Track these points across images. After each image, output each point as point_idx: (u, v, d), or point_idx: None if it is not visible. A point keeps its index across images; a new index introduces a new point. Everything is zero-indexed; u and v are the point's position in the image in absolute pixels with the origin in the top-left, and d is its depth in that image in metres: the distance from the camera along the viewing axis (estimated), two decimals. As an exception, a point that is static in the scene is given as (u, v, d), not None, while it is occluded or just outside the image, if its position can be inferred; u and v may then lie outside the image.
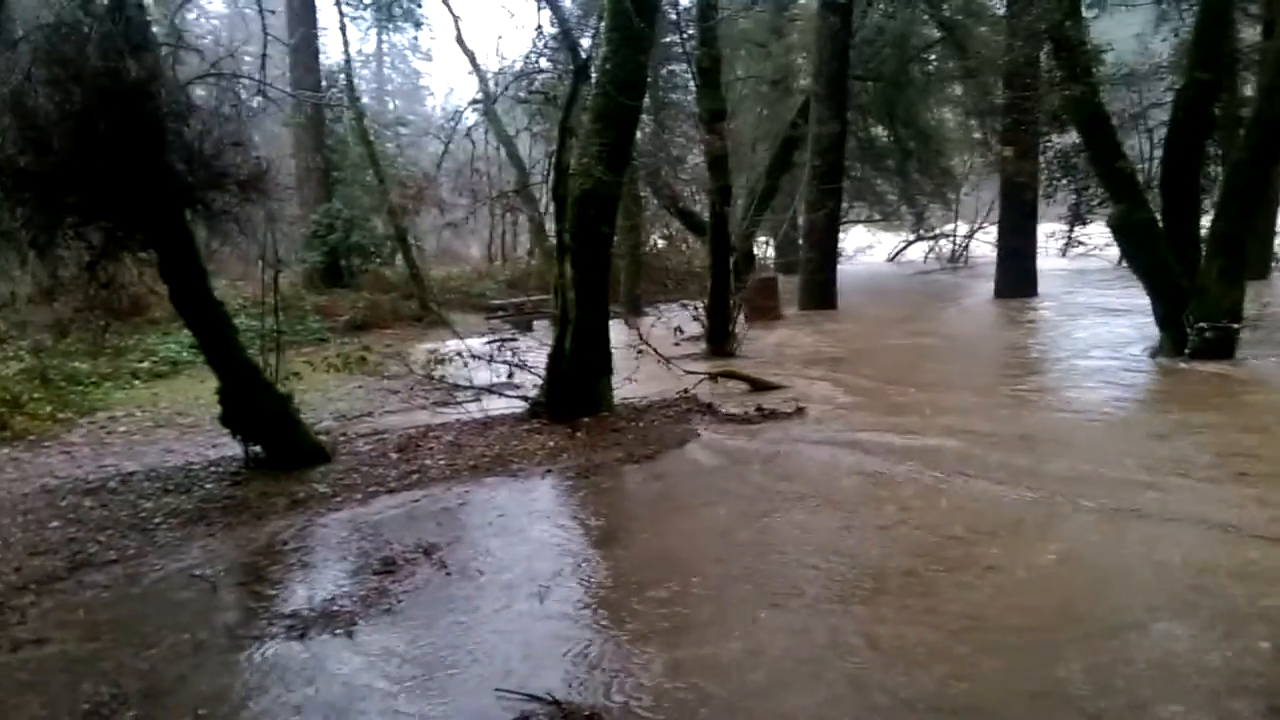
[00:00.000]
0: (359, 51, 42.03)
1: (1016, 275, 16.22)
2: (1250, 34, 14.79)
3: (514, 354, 9.59)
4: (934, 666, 3.15)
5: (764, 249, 23.26)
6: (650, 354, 9.78)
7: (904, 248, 26.94)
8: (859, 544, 4.45)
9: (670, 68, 20.06)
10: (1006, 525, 4.60)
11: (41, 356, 11.10)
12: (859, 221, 26.02)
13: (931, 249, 25.68)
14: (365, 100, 24.81)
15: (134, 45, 5.85)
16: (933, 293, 18.62)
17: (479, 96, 19.41)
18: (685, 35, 13.72)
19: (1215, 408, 7.29)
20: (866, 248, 28.06)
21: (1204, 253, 9.17)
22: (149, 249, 6.18)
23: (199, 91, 6.39)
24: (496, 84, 18.21)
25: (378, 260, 20.72)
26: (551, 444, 6.93)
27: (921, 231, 25.78)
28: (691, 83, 15.74)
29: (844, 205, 18.82)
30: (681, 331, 11.22)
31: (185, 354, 12.47)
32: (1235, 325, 8.93)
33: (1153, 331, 9.70)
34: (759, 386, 8.88)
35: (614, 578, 4.24)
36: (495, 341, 14.05)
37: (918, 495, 5.19)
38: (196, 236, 6.32)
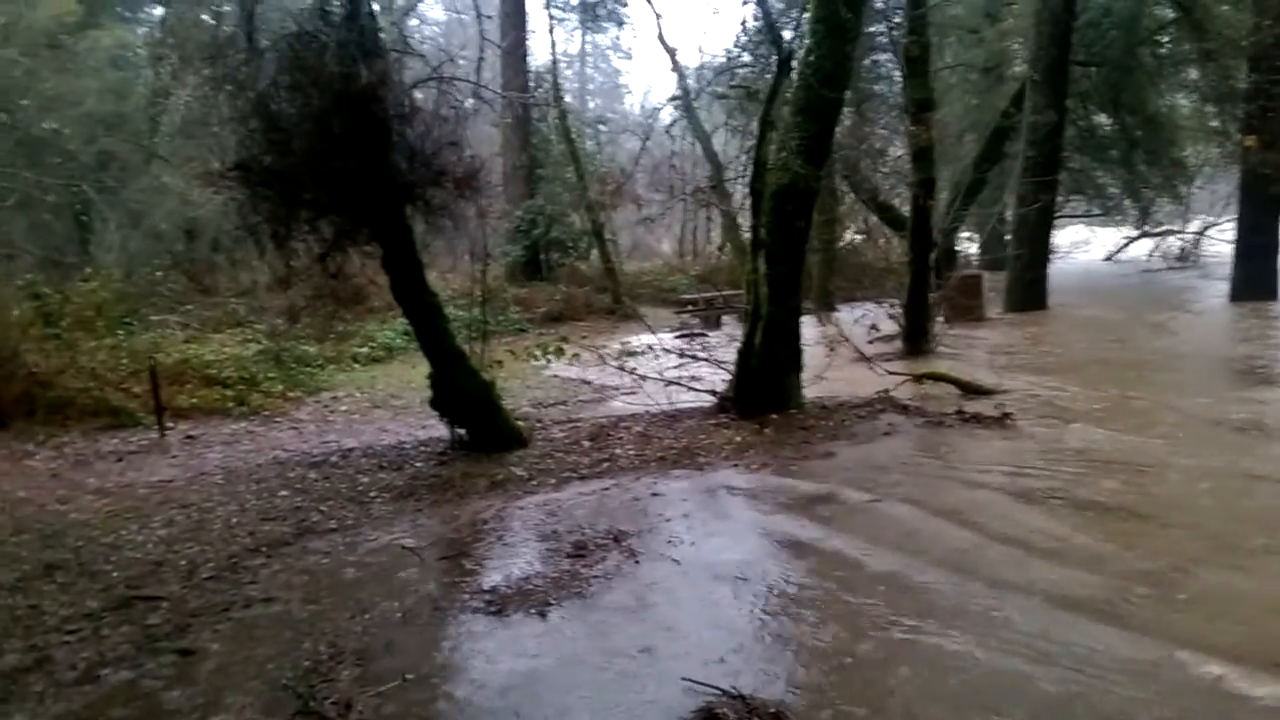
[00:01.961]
0: (564, 52, 43.52)
1: (1257, 276, 14.65)
2: None
3: (703, 348, 9.65)
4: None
5: (967, 245, 22.24)
6: (842, 352, 9.58)
7: (1126, 245, 24.89)
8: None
9: (874, 57, 19.49)
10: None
11: (276, 339, 12.22)
12: (1075, 216, 24.30)
13: (1157, 246, 23.60)
14: (568, 99, 25.61)
15: (366, 52, 6.32)
16: (1157, 294, 17.14)
17: (678, 93, 19.64)
18: (892, 24, 13.30)
19: None
20: (1082, 244, 26.16)
21: None
22: (374, 242, 6.66)
23: (420, 94, 6.80)
24: (697, 80, 18.35)
25: (575, 255, 21.40)
26: (739, 439, 6.93)
27: (1147, 227, 23.73)
28: (896, 73, 15.25)
29: (1059, 199, 17.63)
30: (877, 329, 10.92)
31: (399, 341, 13.39)
32: None
33: None
34: (969, 390, 8.39)
35: (803, 572, 4.18)
36: (685, 335, 14.25)
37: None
38: (415, 231, 6.76)
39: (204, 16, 14.39)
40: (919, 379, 8.70)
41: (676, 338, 14.10)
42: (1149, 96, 19.33)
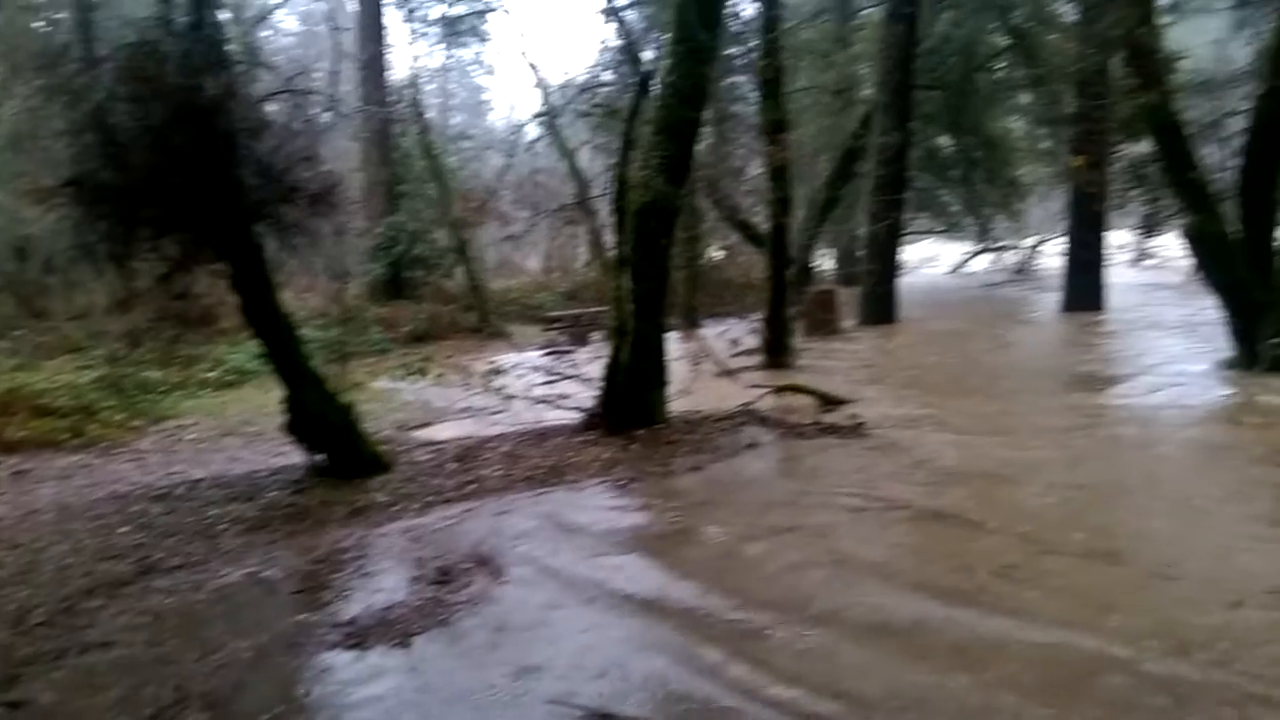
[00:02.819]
0: (424, 67, 42.86)
1: (1084, 288, 15.80)
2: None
3: (571, 365, 9.64)
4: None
5: (824, 261, 23.07)
6: (706, 367, 9.77)
7: (968, 259, 26.42)
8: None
9: (733, 79, 20.03)
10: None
11: (115, 365, 11.47)
12: (922, 233, 25.58)
13: (996, 261, 25.15)
14: (430, 114, 25.19)
15: (210, 63, 6.05)
16: (997, 306, 18.26)
17: (542, 110, 19.63)
18: (748, 47, 13.69)
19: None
20: (929, 260, 27.60)
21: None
22: (221, 261, 6.35)
23: (272, 108, 6.54)
24: (560, 97, 18.38)
25: (439, 272, 21.03)
26: (606, 455, 6.94)
27: (986, 243, 25.26)
28: (754, 94, 15.68)
29: (906, 217, 18.53)
30: (738, 344, 11.16)
31: (252, 364, 12.76)
32: (1316, 341, 8.59)
33: (1225, 345, 9.36)
34: (827, 401, 8.64)
35: (671, 586, 4.21)
36: (552, 353, 14.21)
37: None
38: (266, 249, 6.48)
39: (36, 24, 13.46)
40: (779, 390, 8.94)
41: (544, 355, 14.04)
42: (986, 119, 20.59)
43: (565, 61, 51.53)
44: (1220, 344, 9.56)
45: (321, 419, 6.65)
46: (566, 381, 9.43)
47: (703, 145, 17.28)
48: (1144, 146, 11.48)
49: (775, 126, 11.33)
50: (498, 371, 10.02)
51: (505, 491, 6.11)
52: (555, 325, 17.31)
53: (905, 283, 17.81)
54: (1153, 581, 4.06)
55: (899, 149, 15.75)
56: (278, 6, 25.46)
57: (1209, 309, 9.81)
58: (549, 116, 18.86)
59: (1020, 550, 4.47)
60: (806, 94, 21.50)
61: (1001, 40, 19.80)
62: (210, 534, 5.49)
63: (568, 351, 14.47)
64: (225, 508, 6.08)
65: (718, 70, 14.95)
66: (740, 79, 18.00)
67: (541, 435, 7.84)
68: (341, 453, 6.73)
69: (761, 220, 15.39)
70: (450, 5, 21.16)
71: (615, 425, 7.65)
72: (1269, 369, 8.61)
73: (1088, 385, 9.34)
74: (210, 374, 12.60)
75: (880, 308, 16.02)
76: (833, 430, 7.50)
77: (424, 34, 22.16)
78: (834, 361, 11.70)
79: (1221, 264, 9.22)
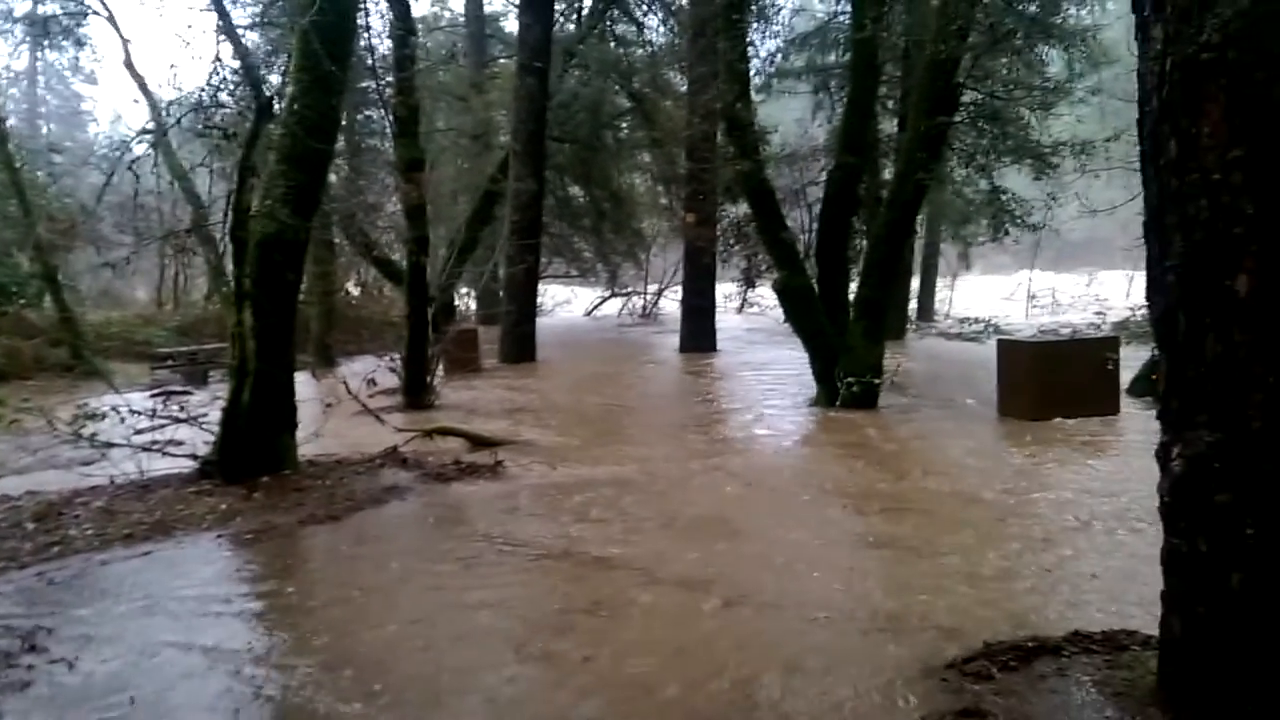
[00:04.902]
0: (7, 68, 37.23)
1: (699, 332, 17.41)
2: (888, 125, 17.18)
3: (183, 408, 8.77)
4: None
5: (465, 301, 23.22)
6: (341, 407, 9.38)
7: (600, 303, 28.05)
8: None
9: (368, 112, 19.63)
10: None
11: None
12: (558, 277, 26.76)
13: (625, 305, 26.96)
14: (13, 121, 21.84)
15: None
16: (625, 346, 19.49)
17: (150, 126, 17.78)
18: (382, 82, 13.52)
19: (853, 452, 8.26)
20: (565, 302, 28.92)
21: (851, 315, 10.37)
22: None
23: None
24: (170, 114, 16.77)
25: (21, 301, 18.17)
26: (224, 506, 6.38)
27: (615, 288, 27.01)
28: (390, 129, 15.48)
29: (543, 260, 19.27)
30: (374, 383, 10.84)
31: None
32: (877, 380, 10.18)
33: (811, 384, 10.77)
34: (477, 443, 8.59)
35: (271, 658, 3.95)
36: (163, 394, 12.82)
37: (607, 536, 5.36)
38: None
39: None
40: (428, 434, 8.76)
41: (152, 397, 12.62)
42: (613, 174, 22.11)
43: (180, 75, 47.03)
44: (807, 383, 10.98)
45: None
46: (179, 426, 8.53)
47: (337, 178, 16.75)
48: (743, 208, 12.96)
49: (411, 165, 11.27)
50: (92, 416, 8.78)
51: (95, 552, 5.39)
52: (167, 364, 15.68)
53: (544, 323, 18.45)
54: (727, 611, 4.29)
55: (534, 196, 16.36)
56: None
57: (800, 352, 11.21)
58: (159, 134, 17.15)
59: (625, 584, 4.68)
60: (445, 135, 21.67)
61: (625, 102, 21.43)
62: None
63: (182, 393, 13.13)
64: None
65: (351, 102, 14.57)
66: (375, 113, 17.70)
67: (146, 487, 7.02)
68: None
69: (401, 257, 15.17)
70: (38, 3, 18.59)
71: (236, 473, 7.06)
72: (845, 405, 10.04)
73: (703, 420, 10.27)
74: None
75: (520, 347, 16.42)
76: (473, 471, 7.52)
77: (5, 32, 19.25)
78: (476, 400, 11.78)
79: (804, 313, 10.62)
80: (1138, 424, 8.68)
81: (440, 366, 12.80)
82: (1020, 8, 11.72)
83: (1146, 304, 3.10)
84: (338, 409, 9.57)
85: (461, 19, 25.09)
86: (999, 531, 5.56)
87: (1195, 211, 2.76)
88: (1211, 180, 2.71)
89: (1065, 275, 28.33)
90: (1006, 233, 18.00)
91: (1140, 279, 3.06)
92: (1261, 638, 2.68)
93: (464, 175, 21.46)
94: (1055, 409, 9.19)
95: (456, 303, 20.14)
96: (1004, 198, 17.25)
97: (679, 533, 5.65)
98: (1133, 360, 10.44)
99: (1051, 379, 9.40)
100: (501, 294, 17.53)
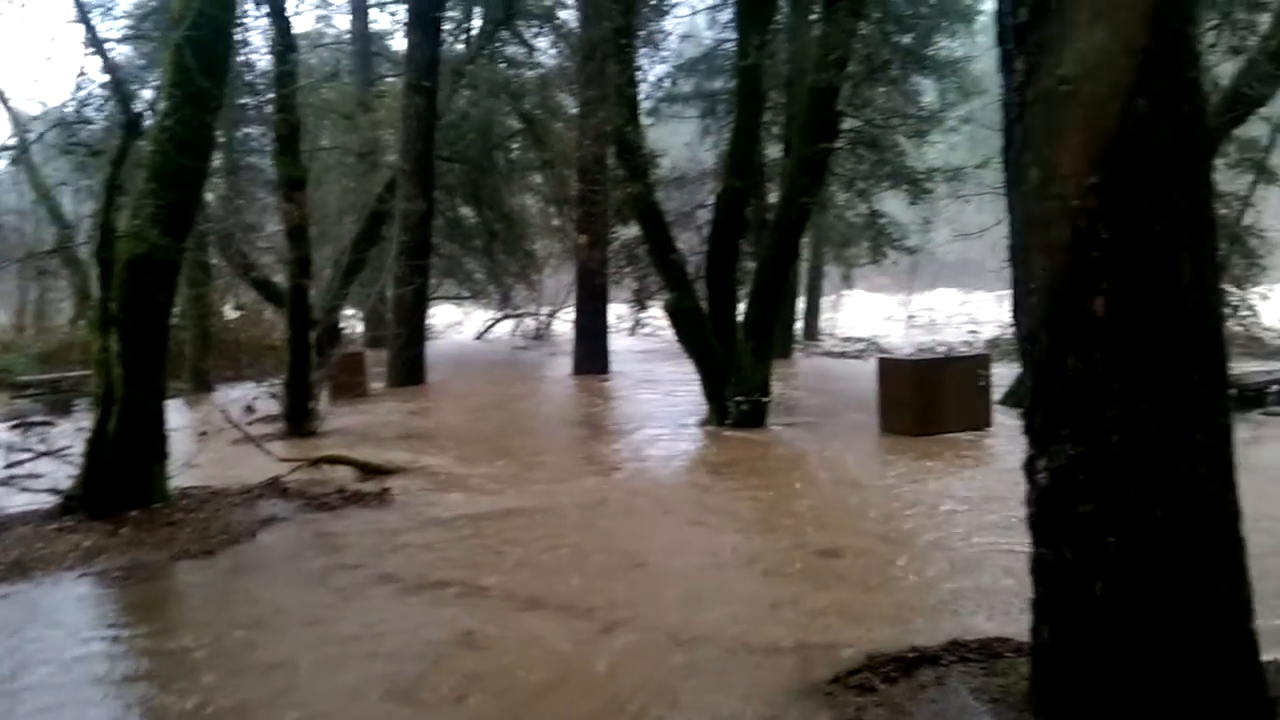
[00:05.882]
0: None
1: (591, 353, 17.40)
2: (775, 150, 17.64)
3: (43, 439, 8.24)
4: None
5: (352, 323, 22.64)
6: (219, 436, 9.00)
7: (492, 325, 27.75)
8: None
9: (247, 130, 18.99)
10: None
11: None
12: (449, 298, 26.37)
13: (517, 327, 26.76)
14: None
15: None
16: (518, 369, 19.33)
17: (12, 142, 16.74)
18: (261, 99, 13.11)
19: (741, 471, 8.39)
20: (456, 324, 28.49)
21: (740, 336, 10.55)
22: None
23: None
24: (33, 130, 15.85)
25: None
26: (88, 544, 6.01)
27: (508, 310, 26.78)
28: (271, 148, 14.99)
29: (433, 282, 18.96)
30: (253, 410, 10.44)
31: None
32: (765, 398, 10.38)
33: (703, 404, 10.88)
34: (367, 470, 8.25)
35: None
36: (21, 425, 12.05)
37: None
38: None
39: None
40: (314, 463, 8.43)
41: (11, 428, 11.85)
42: (504, 195, 21.97)
43: (44, 90, 44.52)
44: (698, 403, 11.09)
45: None
46: (41, 459, 8.02)
47: (215, 196, 16.13)
48: (634, 230, 13.04)
49: (292, 183, 10.94)
50: (-62, 450, 8.19)
51: (-58, 597, 5.00)
52: (27, 392, 14.74)
53: (434, 346, 18.14)
54: (608, 637, 4.24)
55: (423, 216, 16.13)
56: None
57: (691, 372, 11.32)
58: (20, 150, 16.18)
59: (506, 613, 4.59)
60: (330, 154, 21.18)
61: (516, 123, 21.38)
62: None
63: (43, 423, 12.36)
64: None
65: (229, 119, 14.08)
66: (255, 130, 17.17)
67: (1, 525, 6.56)
68: None
69: (282, 279, 14.68)
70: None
71: (101, 507, 6.66)
72: (735, 424, 10.18)
73: (593, 442, 10.26)
74: None
75: (409, 371, 16.08)
76: (359, 500, 7.29)
77: None
78: (363, 425, 11.46)
79: (694, 334, 10.73)
80: (1008, 438, 9.09)
81: (325, 392, 12.43)
82: (895, 40, 12.23)
83: (1013, 324, 3.25)
84: (216, 438, 9.20)
85: (347, 36, 24.64)
86: (882, 546, 5.72)
87: (1055, 236, 2.91)
88: (1070, 207, 2.86)
89: (941, 295, 29.55)
90: (885, 255, 18.75)
91: (1009, 299, 3.20)
92: (1123, 642, 2.82)
93: (350, 195, 20.93)
94: (932, 424, 9.55)
95: (343, 325, 19.61)
96: (882, 222, 17.93)
97: (564, 559, 5.59)
98: (1004, 377, 10.94)
99: (928, 395, 9.78)
100: (389, 316, 17.15)
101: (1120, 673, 2.82)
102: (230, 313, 18.68)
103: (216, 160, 10.21)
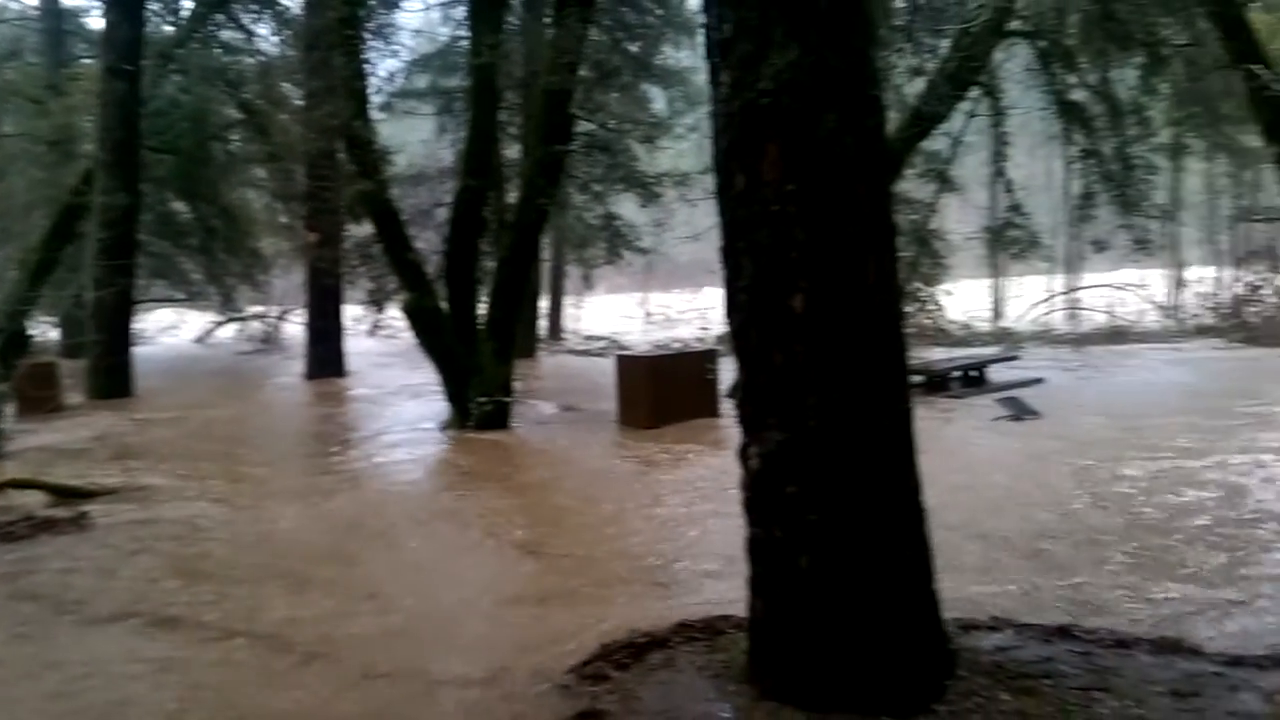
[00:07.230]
0: None
1: (325, 357, 16.60)
2: (513, 150, 17.62)
3: None
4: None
5: (46, 330, 20.19)
6: None
7: (213, 329, 25.68)
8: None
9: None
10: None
11: None
12: (160, 301, 24.09)
13: (242, 330, 24.95)
14: None
15: None
16: (243, 375, 18.08)
17: None
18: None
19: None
20: (171, 328, 26.10)
21: (481, 336, 10.47)
22: None
23: None
24: None
25: None
26: None
27: (230, 313, 24.90)
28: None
29: (141, 283, 17.25)
30: (-82, 432, 9.05)
31: None
32: (507, 399, 10.38)
33: (444, 406, 10.70)
34: (64, 495, 7.41)
35: None
36: None
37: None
38: None
39: None
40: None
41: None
42: (224, 189, 20.41)
43: None
44: (440, 405, 10.89)
45: None
46: None
47: None
48: (368, 228, 12.57)
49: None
50: None
51: None
52: None
53: (144, 353, 16.58)
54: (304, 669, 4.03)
55: (127, 211, 14.64)
56: None
57: (432, 374, 11.09)
58: None
59: (199, 643, 4.31)
60: (15, 141, 18.84)
61: (235, 112, 19.96)
62: None
63: None
64: None
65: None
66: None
67: None
68: None
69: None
70: None
71: None
72: (477, 426, 10.09)
73: (325, 451, 9.80)
74: None
75: (113, 381, 14.53)
76: (51, 526, 6.51)
77: None
78: (57, 444, 10.22)
79: (434, 335, 10.53)
80: (735, 426, 9.67)
81: (11, 407, 11.01)
82: (625, 46, 12.64)
83: (726, 320, 3.48)
84: None
85: (35, 12, 22.03)
86: (620, 537, 5.92)
87: (759, 239, 3.15)
88: (771, 211, 3.11)
89: (676, 294, 30.90)
90: (621, 256, 19.33)
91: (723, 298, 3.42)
92: (826, 610, 3.10)
93: (39, 187, 18.70)
94: (666, 416, 9.98)
95: (33, 333, 17.44)
96: (617, 223, 18.49)
97: (272, 582, 5.27)
98: (731, 369, 11.63)
99: (662, 389, 10.21)
100: (89, 321, 15.42)
101: (824, 638, 3.10)
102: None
103: None
